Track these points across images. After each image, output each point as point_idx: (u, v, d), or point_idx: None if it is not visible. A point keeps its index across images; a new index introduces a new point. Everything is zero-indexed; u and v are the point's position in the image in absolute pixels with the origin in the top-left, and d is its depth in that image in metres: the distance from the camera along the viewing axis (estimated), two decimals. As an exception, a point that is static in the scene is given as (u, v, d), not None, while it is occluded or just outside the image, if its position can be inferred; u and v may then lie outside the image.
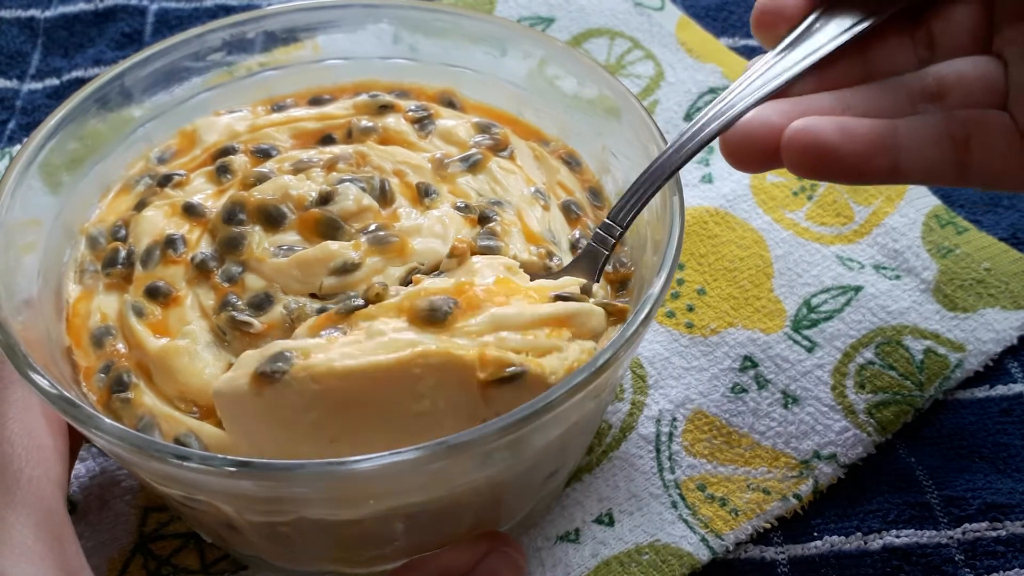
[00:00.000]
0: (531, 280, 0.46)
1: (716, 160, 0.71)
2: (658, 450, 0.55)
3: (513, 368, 0.39)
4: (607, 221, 0.48)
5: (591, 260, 0.48)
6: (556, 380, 0.40)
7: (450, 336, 0.41)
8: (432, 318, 0.41)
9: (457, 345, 0.40)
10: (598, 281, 0.48)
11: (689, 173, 0.70)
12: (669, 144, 0.47)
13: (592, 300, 0.45)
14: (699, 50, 0.78)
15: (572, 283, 0.46)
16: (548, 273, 0.48)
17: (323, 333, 0.42)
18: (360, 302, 0.43)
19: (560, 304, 0.43)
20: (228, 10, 0.82)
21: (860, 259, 0.64)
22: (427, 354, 0.39)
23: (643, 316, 0.42)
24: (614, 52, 0.78)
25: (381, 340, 0.40)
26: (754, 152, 0.45)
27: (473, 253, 0.46)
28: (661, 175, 0.46)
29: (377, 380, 0.39)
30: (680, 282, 0.64)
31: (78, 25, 0.80)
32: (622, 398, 0.58)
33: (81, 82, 0.76)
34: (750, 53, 0.82)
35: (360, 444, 0.38)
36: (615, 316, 0.46)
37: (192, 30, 0.57)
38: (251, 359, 0.40)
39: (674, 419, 0.56)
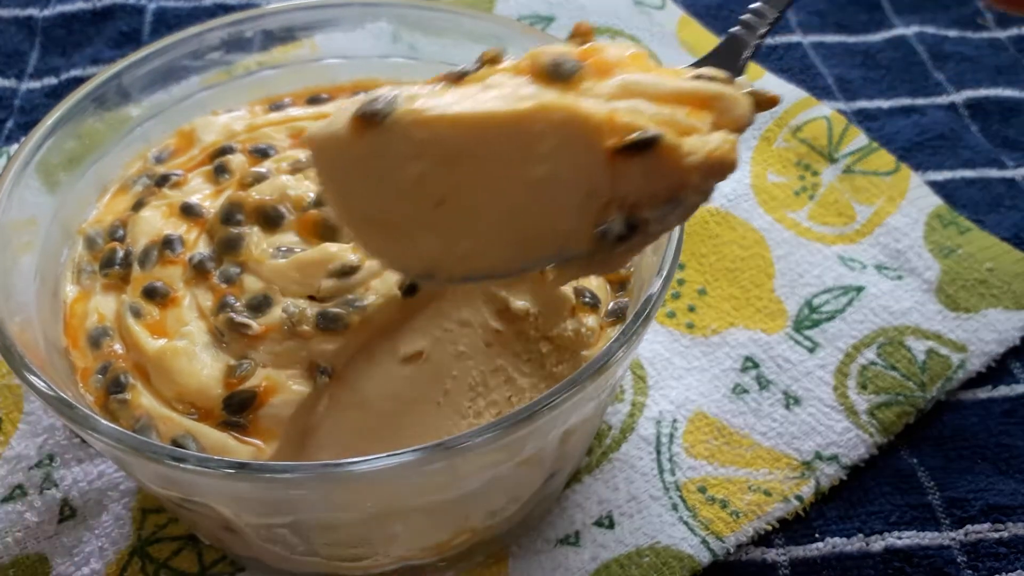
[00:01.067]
0: None
1: (717, 159, 0.70)
2: (658, 451, 0.55)
3: (646, 134, 0.33)
4: (760, 5, 0.41)
5: (731, 50, 0.42)
6: (692, 163, 0.34)
7: (576, 95, 0.34)
8: (557, 74, 0.35)
9: (583, 103, 0.34)
10: (740, 75, 0.41)
11: (690, 172, 0.69)
12: None
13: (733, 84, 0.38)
14: (700, 49, 0.77)
15: (711, 71, 0.38)
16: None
17: (427, 88, 0.36)
18: (472, 65, 0.37)
19: (697, 82, 0.37)
20: (227, 9, 0.82)
21: (862, 259, 0.64)
22: (551, 107, 0.33)
23: (643, 316, 0.42)
24: (614, 51, 0.77)
25: (498, 92, 0.34)
26: None
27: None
28: None
29: (492, 133, 0.33)
30: (681, 282, 0.63)
31: (76, 24, 0.80)
32: (622, 399, 0.57)
33: (79, 81, 0.75)
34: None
35: (469, 214, 0.33)
36: (762, 106, 0.39)
37: (190, 29, 0.56)
38: (349, 105, 0.34)
39: (675, 420, 0.56)
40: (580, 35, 0.39)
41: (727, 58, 0.41)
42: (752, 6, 0.42)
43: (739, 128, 0.37)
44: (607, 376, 0.41)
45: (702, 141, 0.35)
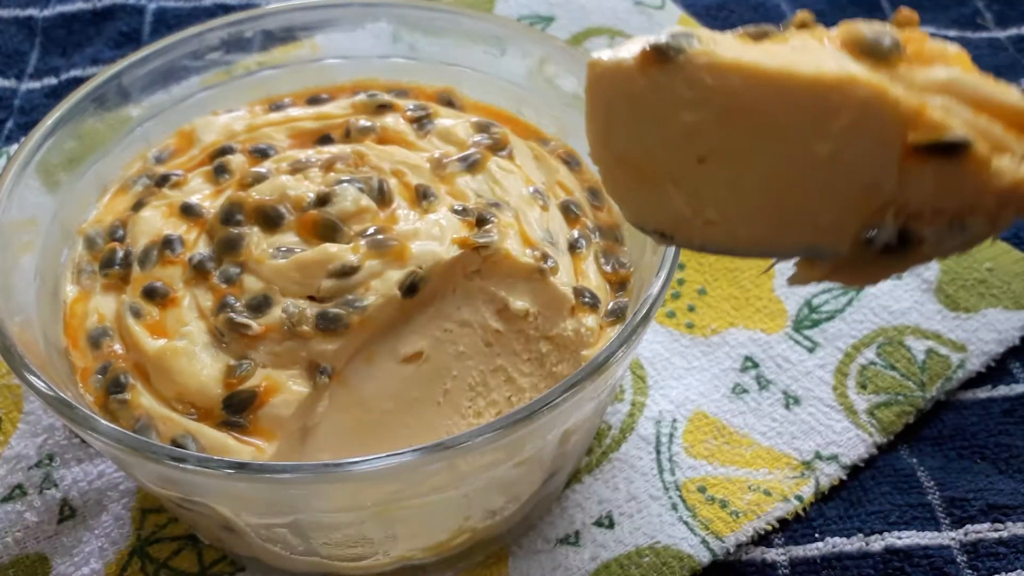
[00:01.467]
0: None
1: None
2: (658, 451, 0.55)
3: (956, 137, 0.30)
4: None
5: None
6: (997, 185, 0.30)
7: (889, 77, 0.31)
8: (873, 49, 0.31)
9: (895, 87, 0.30)
10: None
11: (689, 172, 0.70)
12: None
13: None
14: (699, 49, 0.77)
15: None
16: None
17: (730, 36, 0.33)
18: (776, 27, 0.34)
19: None
20: (227, 9, 0.82)
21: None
22: (859, 81, 0.30)
23: (642, 316, 0.42)
24: (614, 51, 0.77)
25: (804, 54, 0.31)
26: None
27: None
28: None
29: (787, 94, 0.30)
30: (681, 282, 0.63)
31: (76, 24, 0.80)
32: (622, 399, 0.57)
33: (79, 81, 0.75)
34: (751, 52, 0.81)
35: (730, 179, 0.31)
36: None
37: (190, 29, 0.56)
38: (644, 39, 0.32)
39: (674, 420, 0.56)
40: (903, 22, 0.35)
41: None
42: None
43: None
44: (607, 376, 0.41)
45: (1015, 166, 0.31)
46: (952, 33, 0.86)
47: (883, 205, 0.31)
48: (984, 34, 0.86)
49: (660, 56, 0.30)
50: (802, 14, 0.34)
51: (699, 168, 0.32)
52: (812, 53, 0.31)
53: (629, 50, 0.31)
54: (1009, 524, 0.53)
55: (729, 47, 0.31)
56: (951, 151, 0.30)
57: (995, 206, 0.31)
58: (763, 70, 0.30)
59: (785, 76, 0.30)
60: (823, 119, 0.30)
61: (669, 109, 0.31)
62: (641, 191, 0.33)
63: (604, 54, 0.32)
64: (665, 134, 0.32)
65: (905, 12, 0.35)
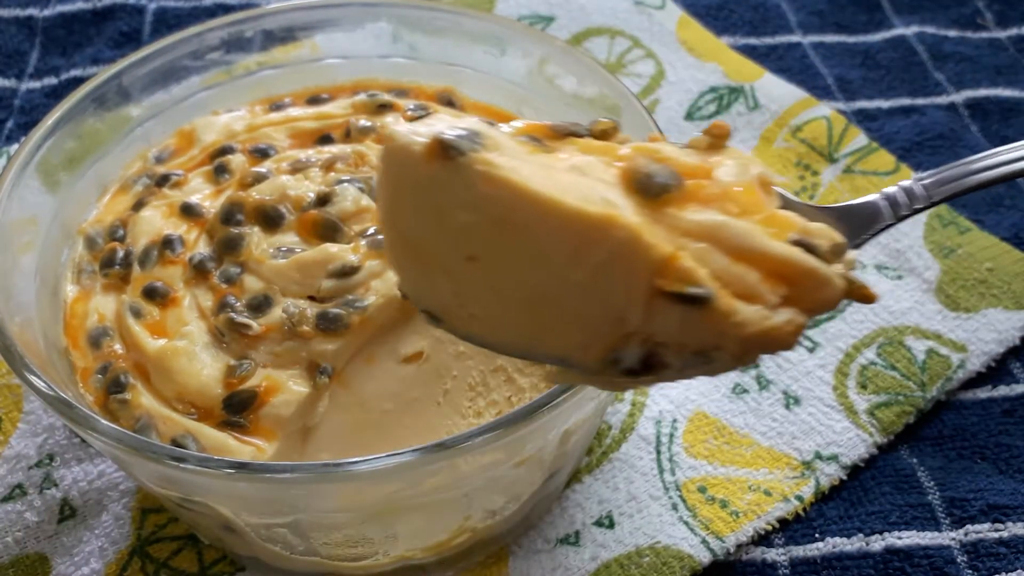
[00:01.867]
0: (783, 207, 0.36)
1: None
2: (658, 451, 0.55)
3: (699, 290, 0.31)
4: (914, 184, 0.39)
5: (864, 218, 0.39)
6: (740, 333, 0.32)
7: (653, 218, 0.32)
8: (646, 187, 0.32)
9: (653, 232, 0.32)
10: (858, 248, 0.38)
11: (690, 172, 0.70)
12: (1010, 147, 0.41)
13: (836, 266, 0.35)
14: (700, 49, 0.77)
15: (824, 233, 0.35)
16: (806, 207, 0.38)
17: (522, 139, 0.34)
18: (582, 128, 0.36)
19: (796, 252, 0.33)
20: (227, 9, 0.82)
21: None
22: (617, 223, 0.31)
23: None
24: (615, 51, 0.77)
25: (578, 179, 0.32)
26: None
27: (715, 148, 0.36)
28: (1004, 171, 0.40)
29: (551, 219, 0.31)
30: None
31: (76, 24, 0.80)
32: (622, 399, 0.57)
33: (79, 81, 0.75)
34: (751, 52, 0.81)
35: (493, 282, 0.32)
36: (854, 297, 0.36)
37: (190, 29, 0.56)
38: (442, 123, 0.32)
39: (674, 420, 0.56)
40: (714, 135, 0.37)
41: (855, 222, 0.38)
42: (904, 183, 0.39)
43: (814, 311, 0.34)
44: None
45: (762, 315, 0.32)
46: (952, 33, 0.86)
47: (630, 333, 0.32)
48: (984, 34, 0.86)
49: (443, 152, 0.31)
50: (604, 123, 0.35)
51: (467, 265, 0.32)
52: (589, 179, 0.32)
53: (423, 134, 0.32)
54: (1009, 524, 0.53)
55: (511, 156, 0.31)
56: (693, 301, 0.31)
57: (738, 349, 0.32)
58: (532, 192, 0.31)
59: (552, 202, 0.31)
60: (580, 250, 0.31)
61: (447, 204, 0.32)
62: (416, 270, 0.34)
63: (401, 131, 0.32)
64: (441, 226, 0.32)
65: (720, 125, 0.37)
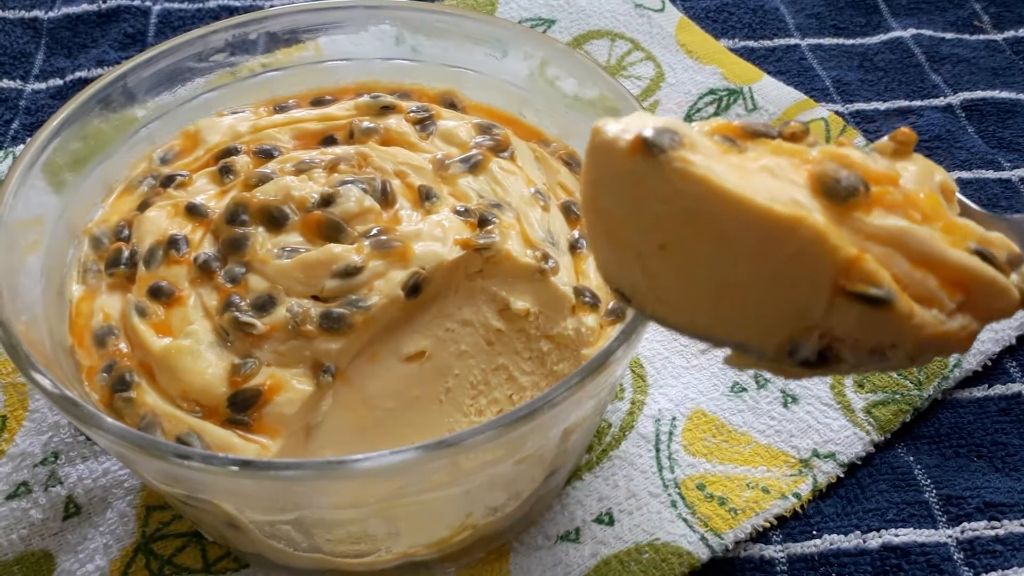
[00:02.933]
0: (962, 214, 0.38)
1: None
2: (657, 449, 0.55)
3: (880, 291, 0.33)
4: None
5: None
6: (917, 335, 0.33)
7: (839, 220, 0.34)
8: (833, 191, 0.34)
9: (839, 233, 0.33)
10: None
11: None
12: None
13: (1015, 277, 0.36)
14: (699, 52, 0.78)
15: (1002, 243, 0.36)
16: (983, 215, 0.39)
17: (716, 138, 0.35)
18: (772, 129, 0.37)
19: (976, 261, 0.35)
20: (231, 11, 0.83)
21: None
22: (803, 223, 0.32)
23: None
24: (615, 53, 0.78)
25: (769, 179, 0.34)
26: None
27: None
28: None
29: (741, 217, 0.33)
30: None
31: (81, 26, 0.81)
32: (622, 397, 0.58)
33: (84, 82, 0.76)
34: (749, 55, 0.82)
35: (682, 269, 0.34)
36: None
37: (195, 31, 0.57)
38: (645, 121, 0.34)
39: (674, 418, 0.57)
40: (899, 142, 0.38)
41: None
42: None
43: (990, 319, 0.36)
44: (607, 374, 0.41)
45: (938, 320, 0.34)
46: (949, 35, 0.87)
47: (810, 326, 0.34)
48: (981, 36, 0.87)
49: (645, 149, 0.33)
50: (794, 126, 0.37)
51: (659, 252, 0.34)
52: (779, 180, 0.34)
53: (629, 129, 0.33)
54: (1005, 522, 0.54)
55: (706, 155, 0.33)
56: (874, 302, 0.33)
57: (914, 349, 0.34)
58: (725, 190, 0.32)
59: (743, 200, 0.32)
60: (769, 246, 0.33)
61: (644, 195, 0.33)
62: (612, 252, 0.36)
63: (609, 126, 0.34)
64: (637, 214, 0.34)
65: (903, 133, 0.38)
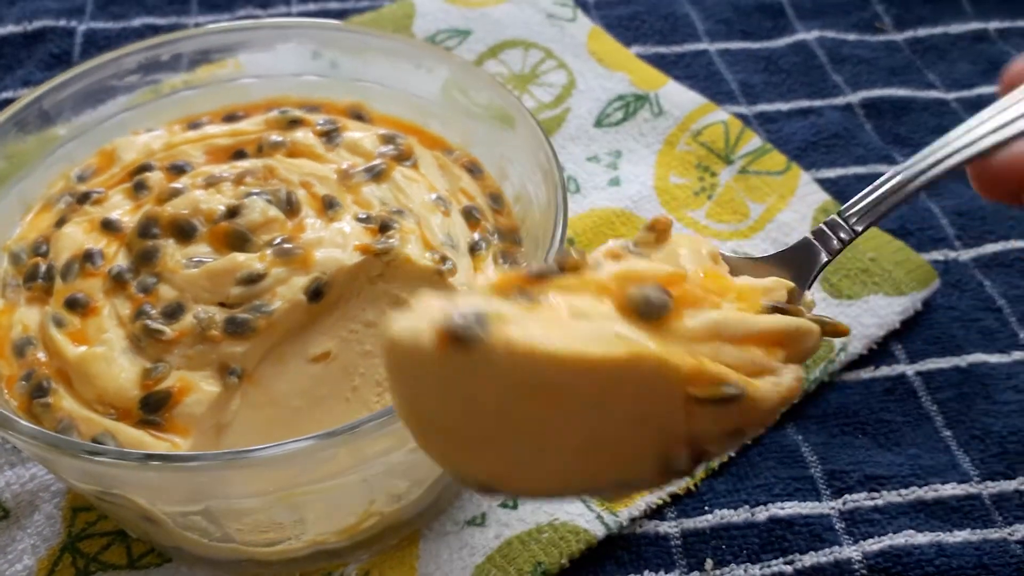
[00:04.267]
0: (731, 273, 0.41)
1: (624, 164, 0.75)
2: (561, 437, 0.58)
3: (731, 388, 0.34)
4: (837, 218, 0.44)
5: (805, 260, 0.43)
6: (765, 406, 0.36)
7: (663, 338, 0.35)
8: (647, 313, 0.34)
9: (672, 351, 0.34)
10: (809, 288, 0.43)
11: (597, 176, 0.74)
12: (918, 156, 0.44)
13: (805, 313, 0.39)
14: (609, 59, 0.82)
15: (780, 286, 0.40)
16: (748, 263, 0.43)
17: (512, 297, 0.34)
18: (553, 266, 0.36)
19: (779, 318, 0.38)
20: (156, 30, 0.85)
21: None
22: (645, 356, 0.33)
23: (525, 311, 0.46)
24: (528, 62, 0.81)
25: (587, 326, 0.33)
26: (1012, 185, 0.43)
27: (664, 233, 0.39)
28: (909, 188, 0.44)
29: (582, 373, 0.32)
30: (588, 279, 0.68)
31: (7, 47, 0.83)
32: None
33: (10, 103, 0.77)
34: (660, 60, 0.86)
35: (537, 441, 0.33)
36: (829, 334, 0.40)
37: (110, 53, 0.59)
38: (434, 309, 0.31)
39: (577, 408, 0.60)
40: (659, 231, 0.40)
41: (798, 264, 0.43)
42: (832, 218, 0.45)
43: (806, 358, 0.39)
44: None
45: (775, 383, 0.36)
46: (851, 37, 0.91)
47: (676, 441, 0.35)
48: (882, 37, 0.91)
49: (458, 341, 0.31)
50: (569, 258, 0.37)
51: (509, 433, 0.33)
52: (593, 321, 0.34)
53: (427, 330, 0.31)
54: (884, 493, 0.58)
55: (517, 323, 0.32)
56: (729, 400, 0.34)
57: (767, 418, 0.37)
58: (557, 353, 0.31)
59: (580, 356, 0.32)
60: (617, 389, 0.33)
61: (470, 385, 0.32)
62: (456, 452, 0.34)
63: (400, 325, 0.31)
64: (470, 406, 0.32)
65: (661, 220, 0.40)
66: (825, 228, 0.45)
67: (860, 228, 0.45)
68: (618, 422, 0.34)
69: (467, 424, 0.33)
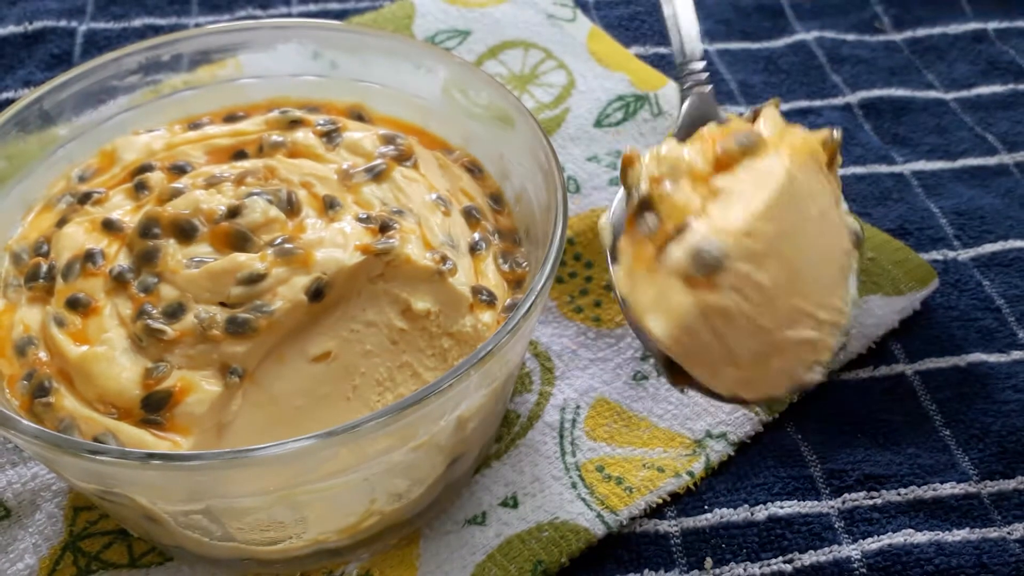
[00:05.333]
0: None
1: (623, 163, 0.75)
2: (561, 436, 0.59)
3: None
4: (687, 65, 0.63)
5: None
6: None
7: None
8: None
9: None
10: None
11: (597, 176, 0.74)
12: None
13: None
14: (608, 59, 0.82)
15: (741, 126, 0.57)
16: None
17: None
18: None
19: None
20: (156, 30, 0.85)
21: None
22: (802, 150, 0.50)
23: (525, 309, 0.46)
24: (528, 62, 0.82)
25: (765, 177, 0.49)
26: None
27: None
28: None
29: (781, 210, 0.44)
30: (589, 279, 0.68)
31: (7, 47, 0.83)
32: (531, 389, 0.61)
33: (11, 103, 0.78)
34: (659, 61, 0.86)
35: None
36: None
37: (110, 54, 0.60)
38: (670, 289, 0.46)
39: (577, 407, 0.60)
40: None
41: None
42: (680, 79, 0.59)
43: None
44: (493, 364, 0.45)
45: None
46: (851, 37, 0.91)
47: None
48: (881, 37, 0.92)
49: (706, 277, 0.46)
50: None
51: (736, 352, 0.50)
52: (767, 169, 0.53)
53: (678, 305, 0.47)
54: (883, 492, 0.58)
55: (710, 215, 0.49)
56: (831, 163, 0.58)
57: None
58: (762, 211, 0.49)
59: (772, 201, 0.50)
60: (809, 190, 0.52)
61: (741, 281, 0.48)
62: (709, 371, 0.51)
63: (661, 324, 0.48)
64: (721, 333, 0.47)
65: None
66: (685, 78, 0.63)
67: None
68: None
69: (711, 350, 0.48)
